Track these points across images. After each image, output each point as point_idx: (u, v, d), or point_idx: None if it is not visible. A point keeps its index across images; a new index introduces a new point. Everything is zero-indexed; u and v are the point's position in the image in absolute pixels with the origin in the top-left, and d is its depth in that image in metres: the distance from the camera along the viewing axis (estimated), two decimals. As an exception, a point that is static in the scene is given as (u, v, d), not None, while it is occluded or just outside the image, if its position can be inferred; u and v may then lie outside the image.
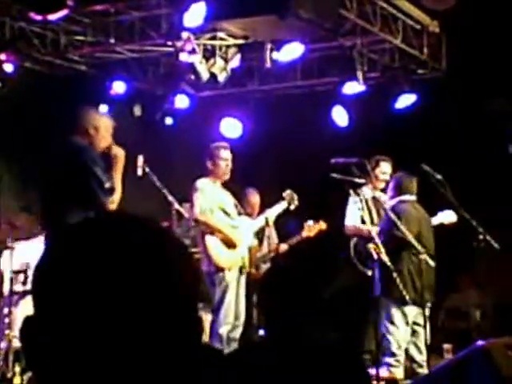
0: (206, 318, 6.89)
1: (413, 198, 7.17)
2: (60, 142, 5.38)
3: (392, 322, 6.83)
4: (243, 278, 6.83)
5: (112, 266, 1.02)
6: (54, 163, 5.16)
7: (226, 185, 7.02)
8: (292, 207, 7.46)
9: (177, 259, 1.07)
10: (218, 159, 6.85)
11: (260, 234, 7.84)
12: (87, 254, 1.03)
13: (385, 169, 7.57)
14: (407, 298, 6.62)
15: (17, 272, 6.66)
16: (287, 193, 7.45)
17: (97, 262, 1.02)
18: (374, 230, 6.69)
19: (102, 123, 5.25)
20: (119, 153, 5.17)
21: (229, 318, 6.64)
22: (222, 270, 6.64)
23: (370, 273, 6.80)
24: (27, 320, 1.06)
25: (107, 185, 4.92)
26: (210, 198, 6.75)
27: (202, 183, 6.80)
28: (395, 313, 6.86)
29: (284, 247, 8.07)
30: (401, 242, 6.70)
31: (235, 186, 7.21)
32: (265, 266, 8.03)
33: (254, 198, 8.06)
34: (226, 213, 6.85)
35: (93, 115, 5.29)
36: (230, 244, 6.74)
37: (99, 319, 1.00)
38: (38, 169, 5.51)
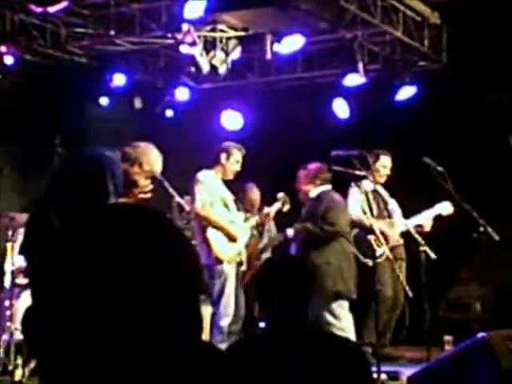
0: (207, 310, 6.91)
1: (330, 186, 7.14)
2: (93, 149, 5.31)
3: (334, 315, 6.84)
4: (239, 273, 6.87)
5: (114, 257, 1.02)
6: (74, 162, 5.13)
7: (224, 180, 7.03)
8: (285, 209, 7.43)
9: (181, 252, 1.07)
10: (232, 158, 6.89)
11: (261, 228, 7.83)
12: (89, 244, 1.03)
13: (385, 162, 7.57)
14: (343, 290, 6.71)
15: (18, 265, 6.67)
16: (281, 195, 7.41)
17: (98, 253, 1.02)
18: (375, 223, 6.70)
19: (149, 167, 5.16)
20: (142, 198, 5.11)
21: (229, 309, 6.65)
22: (221, 262, 6.65)
23: (370, 263, 6.80)
24: (28, 310, 1.07)
25: (112, 200, 4.88)
26: (212, 191, 6.75)
27: (203, 175, 6.80)
28: (336, 305, 6.86)
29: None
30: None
31: (235, 179, 7.20)
32: (264, 256, 8.03)
33: (254, 193, 8.04)
34: (226, 206, 6.86)
35: (151, 155, 5.19)
36: (230, 238, 6.75)
37: (99, 308, 1.00)
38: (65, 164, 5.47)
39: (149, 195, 5.11)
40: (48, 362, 1.04)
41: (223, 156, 6.89)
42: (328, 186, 7.06)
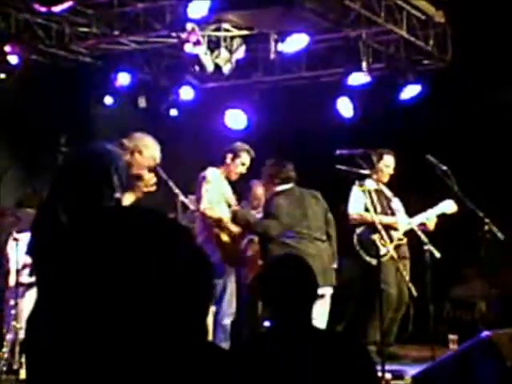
0: (210, 309, 6.92)
1: (291, 185, 6.84)
2: (94, 143, 5.33)
3: None
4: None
5: (119, 258, 1.02)
6: (78, 158, 5.14)
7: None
8: None
9: (186, 252, 1.07)
10: (238, 159, 6.83)
11: None
12: (94, 245, 1.03)
13: (388, 162, 7.55)
14: None
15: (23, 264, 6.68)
16: None
17: (103, 254, 1.02)
18: (377, 217, 6.69)
19: (149, 152, 5.19)
20: (146, 185, 5.12)
21: (231, 308, 6.65)
22: (223, 261, 6.66)
23: (374, 262, 6.79)
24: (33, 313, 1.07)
25: (117, 195, 4.89)
26: (217, 190, 6.74)
27: (211, 174, 6.76)
28: None
29: None
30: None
31: (239, 179, 7.19)
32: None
33: (259, 190, 8.04)
34: (229, 206, 6.86)
35: (148, 142, 5.23)
36: (233, 237, 6.75)
37: (104, 309, 1.00)
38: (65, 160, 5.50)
39: (153, 188, 5.12)
40: (49, 361, 1.04)
41: (229, 156, 6.84)
42: (286, 186, 6.84)
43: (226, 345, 6.26)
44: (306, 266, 3.02)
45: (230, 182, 7.00)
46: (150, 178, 5.13)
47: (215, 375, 1.19)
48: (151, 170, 5.19)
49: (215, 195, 6.69)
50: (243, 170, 6.91)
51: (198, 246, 1.11)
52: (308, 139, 9.17)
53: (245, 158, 6.88)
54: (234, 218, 6.74)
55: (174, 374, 1.04)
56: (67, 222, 4.36)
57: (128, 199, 4.99)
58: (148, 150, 5.18)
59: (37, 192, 7.17)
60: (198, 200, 6.76)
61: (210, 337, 6.60)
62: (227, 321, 6.61)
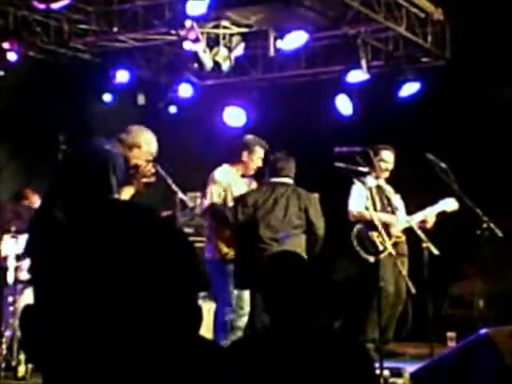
0: (211, 306, 6.95)
1: (275, 180, 6.61)
2: (92, 141, 5.34)
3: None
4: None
5: (111, 254, 1.02)
6: (77, 158, 5.15)
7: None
8: None
9: (178, 248, 1.07)
10: (255, 155, 6.76)
11: None
12: (86, 242, 1.03)
13: (385, 157, 7.53)
14: None
15: (20, 258, 6.66)
16: None
17: (96, 251, 1.02)
18: (376, 215, 6.69)
19: (148, 147, 5.22)
20: (145, 175, 5.13)
21: (233, 306, 6.65)
22: (230, 258, 6.65)
23: (372, 259, 6.79)
24: (27, 308, 1.06)
25: (115, 195, 4.89)
26: (224, 191, 6.73)
27: (219, 175, 6.73)
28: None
29: None
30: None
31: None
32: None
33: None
34: None
35: (146, 136, 5.25)
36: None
37: (99, 307, 1.00)
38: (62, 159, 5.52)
39: (152, 179, 5.13)
40: (48, 360, 1.04)
41: (245, 153, 6.75)
42: (274, 179, 6.59)
43: (225, 342, 6.26)
44: (303, 264, 3.01)
45: (255, 176, 6.91)
46: (148, 169, 5.15)
47: (213, 373, 1.19)
48: (148, 163, 5.21)
49: (218, 197, 6.67)
50: (260, 163, 6.82)
51: (190, 243, 1.12)
52: (307, 136, 9.17)
53: (260, 152, 6.80)
54: (211, 209, 6.68)
55: (173, 371, 1.04)
56: (65, 220, 4.37)
57: (128, 192, 5.00)
58: (147, 145, 5.21)
59: (30, 185, 7.18)
60: (204, 197, 6.77)
61: (211, 335, 6.61)
62: (230, 318, 6.60)
